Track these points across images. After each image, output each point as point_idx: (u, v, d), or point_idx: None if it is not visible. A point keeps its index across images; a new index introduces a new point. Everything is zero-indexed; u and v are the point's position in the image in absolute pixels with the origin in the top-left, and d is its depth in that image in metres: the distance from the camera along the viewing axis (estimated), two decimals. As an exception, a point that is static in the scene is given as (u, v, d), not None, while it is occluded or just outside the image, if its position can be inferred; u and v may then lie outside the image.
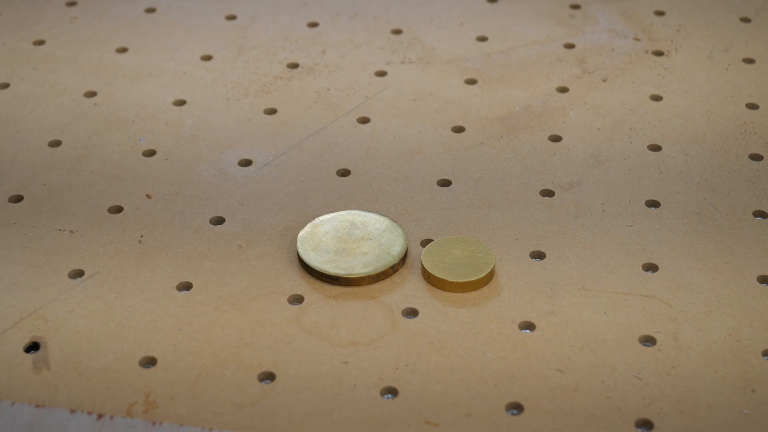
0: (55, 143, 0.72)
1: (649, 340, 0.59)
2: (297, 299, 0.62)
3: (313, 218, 0.66)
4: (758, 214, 0.67)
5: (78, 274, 0.63)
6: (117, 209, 0.67)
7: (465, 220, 0.66)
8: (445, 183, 0.69)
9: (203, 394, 0.57)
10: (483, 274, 0.62)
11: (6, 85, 0.77)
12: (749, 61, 0.78)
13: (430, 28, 0.82)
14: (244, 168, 0.70)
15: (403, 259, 0.64)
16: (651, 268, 0.63)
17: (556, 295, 0.62)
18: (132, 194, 0.68)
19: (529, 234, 0.66)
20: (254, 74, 0.78)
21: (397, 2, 0.84)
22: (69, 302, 0.62)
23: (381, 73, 0.78)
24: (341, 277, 0.62)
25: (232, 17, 0.83)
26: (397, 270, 0.63)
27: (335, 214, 0.66)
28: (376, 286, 0.63)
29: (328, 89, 0.77)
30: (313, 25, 0.82)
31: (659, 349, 0.59)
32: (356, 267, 0.63)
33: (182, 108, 0.75)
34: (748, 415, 0.56)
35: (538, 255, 0.65)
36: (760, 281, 0.62)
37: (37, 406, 0.56)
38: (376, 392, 0.57)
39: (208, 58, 0.80)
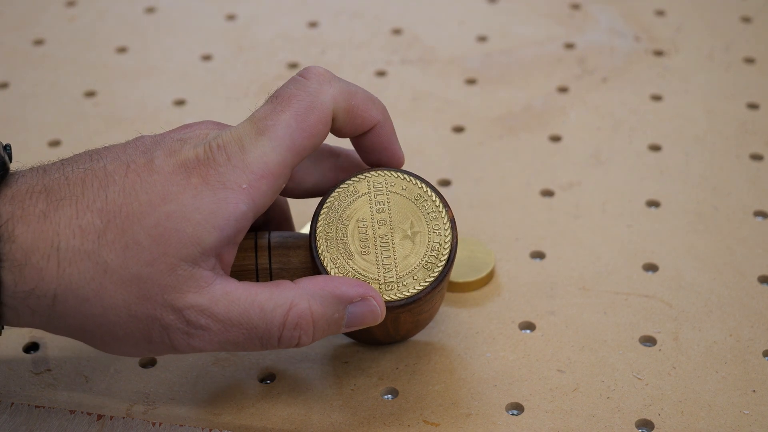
0: (55, 143, 0.72)
1: (649, 340, 0.59)
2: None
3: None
4: (758, 214, 0.67)
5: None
6: (117, 209, 0.67)
7: (465, 220, 0.66)
8: (445, 183, 0.69)
9: (203, 394, 0.57)
10: (483, 274, 0.62)
11: (6, 85, 0.77)
12: (749, 61, 0.78)
13: (430, 28, 0.82)
14: (244, 168, 0.70)
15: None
16: (651, 268, 0.63)
17: (556, 295, 0.62)
18: (132, 194, 0.68)
19: (529, 234, 0.66)
20: (254, 74, 0.78)
21: (397, 2, 0.84)
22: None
23: (381, 73, 0.78)
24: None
25: (232, 17, 0.83)
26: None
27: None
28: (376, 286, 0.63)
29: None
30: (313, 25, 0.82)
31: (659, 350, 0.59)
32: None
33: (182, 108, 0.75)
34: (749, 415, 0.56)
35: (538, 255, 0.65)
36: (761, 281, 0.62)
37: (37, 406, 0.56)
38: (376, 392, 0.57)
39: (208, 58, 0.80)
